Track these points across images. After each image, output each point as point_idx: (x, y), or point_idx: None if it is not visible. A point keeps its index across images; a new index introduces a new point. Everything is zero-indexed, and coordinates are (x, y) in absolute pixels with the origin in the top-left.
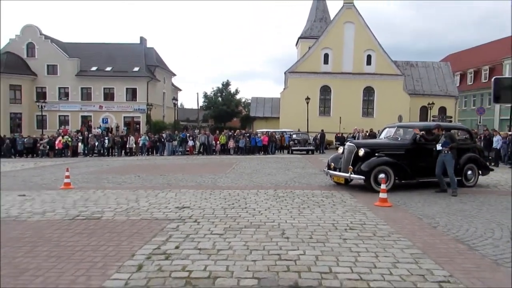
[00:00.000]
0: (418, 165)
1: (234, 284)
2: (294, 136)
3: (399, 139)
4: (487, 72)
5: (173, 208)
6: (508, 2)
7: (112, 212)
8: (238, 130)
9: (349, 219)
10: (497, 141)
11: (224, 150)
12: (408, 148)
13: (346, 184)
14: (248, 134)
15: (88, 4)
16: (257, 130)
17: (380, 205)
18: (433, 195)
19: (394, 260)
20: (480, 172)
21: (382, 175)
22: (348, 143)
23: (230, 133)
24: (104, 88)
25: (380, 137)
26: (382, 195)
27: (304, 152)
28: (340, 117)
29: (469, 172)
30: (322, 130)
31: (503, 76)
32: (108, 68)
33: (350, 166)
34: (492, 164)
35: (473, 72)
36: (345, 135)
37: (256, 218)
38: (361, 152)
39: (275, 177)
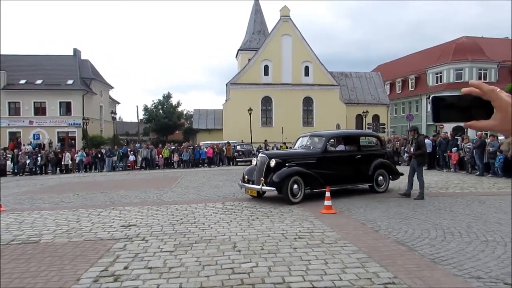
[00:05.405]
0: (329, 173)
1: None
2: (238, 147)
3: (312, 148)
4: (413, 81)
5: (118, 226)
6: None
7: (51, 235)
8: (184, 144)
9: (297, 228)
10: (429, 145)
11: (168, 163)
12: (320, 157)
13: (259, 197)
14: (192, 147)
15: (17, 14)
16: (200, 143)
17: (325, 213)
18: (374, 200)
19: (342, 265)
20: (390, 177)
21: (296, 186)
22: (260, 154)
23: (174, 147)
24: (35, 102)
25: (295, 146)
26: (327, 202)
27: (249, 163)
28: (282, 127)
29: (380, 178)
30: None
31: (440, 95)
32: (39, 81)
33: (262, 178)
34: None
35: (401, 81)
36: (287, 145)
37: (206, 232)
38: (272, 163)
39: (222, 189)
